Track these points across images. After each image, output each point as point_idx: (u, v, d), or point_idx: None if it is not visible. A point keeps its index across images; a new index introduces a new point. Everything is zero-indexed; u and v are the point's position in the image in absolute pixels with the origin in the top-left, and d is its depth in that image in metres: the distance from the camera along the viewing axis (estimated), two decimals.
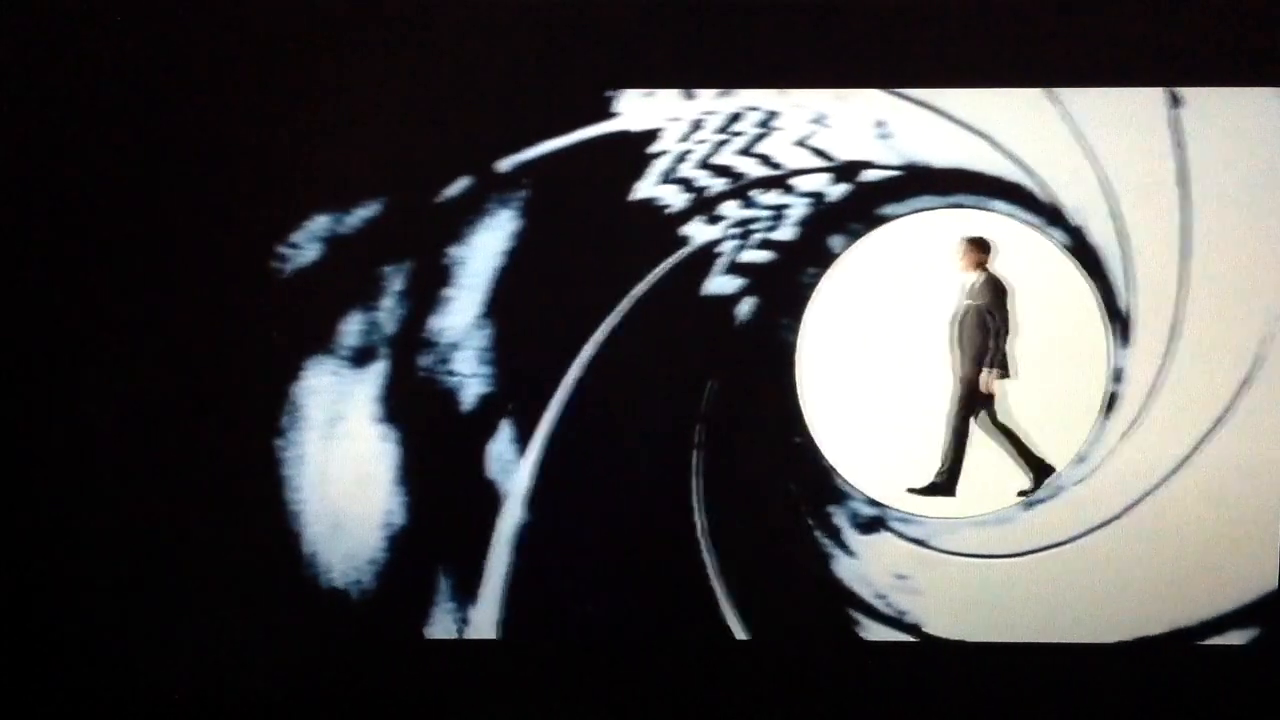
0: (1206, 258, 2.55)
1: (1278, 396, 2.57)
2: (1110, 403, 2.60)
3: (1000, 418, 2.62)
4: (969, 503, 2.63)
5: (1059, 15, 2.51)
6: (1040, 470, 2.60)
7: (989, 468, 2.60)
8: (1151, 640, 2.62)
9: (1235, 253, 2.55)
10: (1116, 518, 2.61)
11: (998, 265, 2.60)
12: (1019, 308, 2.60)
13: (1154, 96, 2.53)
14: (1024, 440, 2.61)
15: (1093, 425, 2.60)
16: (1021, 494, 2.60)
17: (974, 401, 2.60)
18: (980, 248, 2.56)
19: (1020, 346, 2.61)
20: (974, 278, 2.57)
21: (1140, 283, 2.57)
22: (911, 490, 2.62)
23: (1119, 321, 2.58)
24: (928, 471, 2.64)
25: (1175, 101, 2.53)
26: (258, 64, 2.49)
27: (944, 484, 2.60)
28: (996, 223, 2.57)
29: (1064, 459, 2.61)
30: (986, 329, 2.58)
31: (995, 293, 2.57)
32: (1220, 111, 2.52)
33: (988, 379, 2.57)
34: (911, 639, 2.65)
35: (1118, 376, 2.59)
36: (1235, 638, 2.61)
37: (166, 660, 2.68)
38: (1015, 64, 2.53)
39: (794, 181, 2.57)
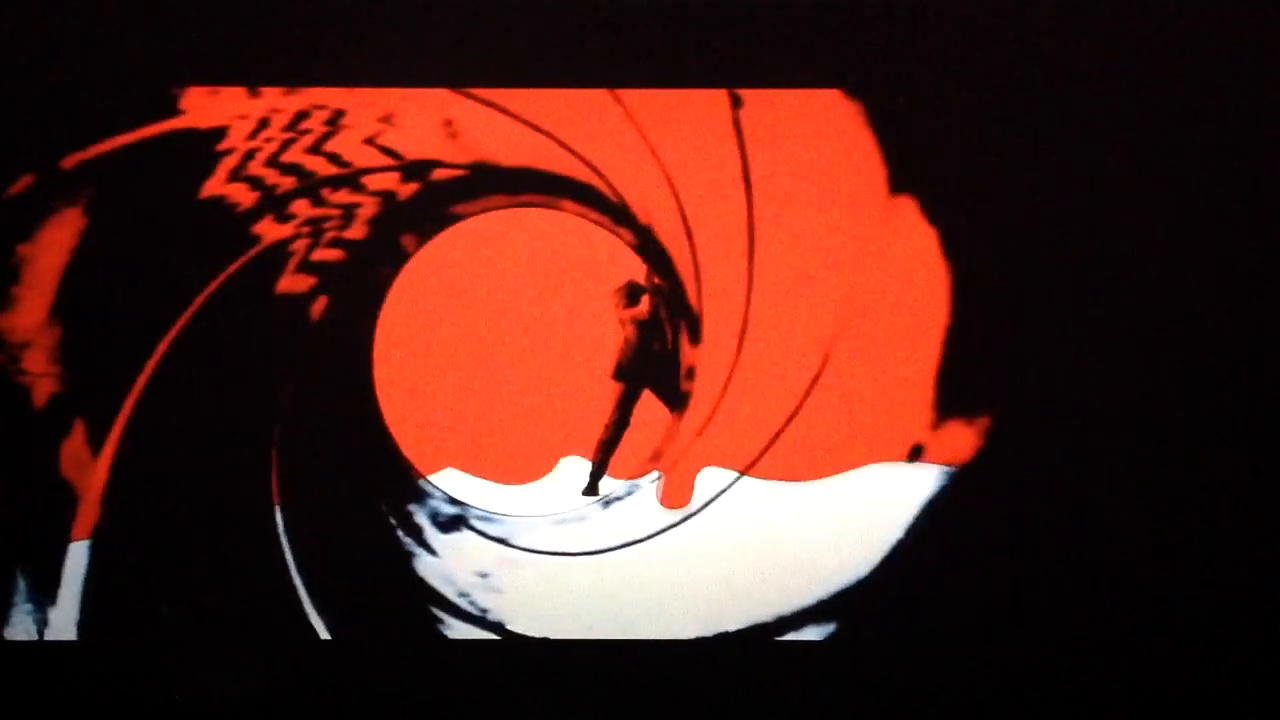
0: (772, 256, 2.59)
1: (846, 394, 2.60)
2: (682, 400, 2.62)
3: None
4: (548, 500, 2.64)
5: (621, 17, 2.54)
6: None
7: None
8: (729, 636, 2.63)
9: (800, 251, 2.59)
10: (693, 514, 2.63)
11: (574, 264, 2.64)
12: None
13: (716, 98, 2.57)
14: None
15: (666, 423, 2.62)
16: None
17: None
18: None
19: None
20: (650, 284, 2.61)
21: (709, 281, 2.60)
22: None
23: (689, 319, 2.61)
24: (513, 468, 2.65)
25: (736, 102, 2.57)
26: None
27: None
28: (566, 221, 2.60)
29: (640, 457, 2.63)
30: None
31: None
32: (780, 112, 2.57)
33: None
34: (495, 637, 2.65)
35: (690, 374, 2.61)
36: (812, 633, 2.63)
37: None
38: (580, 65, 2.56)
39: (364, 180, 2.58)
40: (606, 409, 2.64)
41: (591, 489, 2.64)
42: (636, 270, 2.61)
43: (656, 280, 2.62)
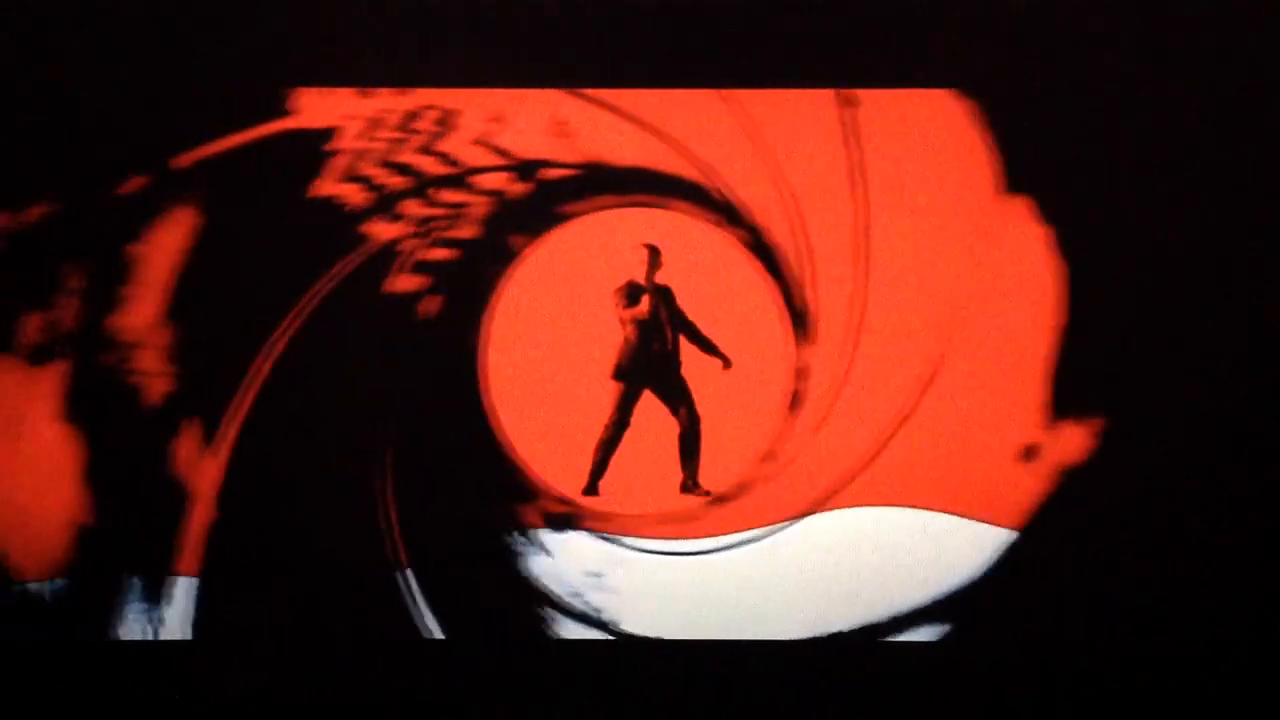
0: (886, 256, 2.58)
1: (961, 393, 2.59)
2: (796, 400, 2.61)
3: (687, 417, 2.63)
4: (659, 500, 2.63)
5: (734, 17, 2.53)
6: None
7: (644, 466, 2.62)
8: (841, 636, 2.62)
9: (914, 251, 2.58)
10: (805, 514, 2.62)
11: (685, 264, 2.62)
12: (702, 307, 2.62)
13: (826, 98, 2.55)
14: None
15: (779, 422, 2.61)
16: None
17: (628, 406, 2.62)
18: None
19: None
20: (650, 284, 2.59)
21: (821, 281, 2.59)
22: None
23: (801, 319, 2.59)
24: (618, 467, 2.65)
25: (849, 102, 2.55)
26: None
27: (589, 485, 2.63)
28: (676, 221, 2.58)
29: (751, 456, 2.62)
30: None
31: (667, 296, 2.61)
32: (893, 112, 2.55)
33: None
34: (607, 636, 2.65)
35: (802, 374, 2.60)
36: (924, 634, 2.62)
37: None
38: (692, 65, 2.55)
39: (474, 180, 2.57)
40: (607, 409, 2.62)
41: (591, 489, 2.63)
42: (748, 269, 2.59)
43: (658, 280, 2.59)
